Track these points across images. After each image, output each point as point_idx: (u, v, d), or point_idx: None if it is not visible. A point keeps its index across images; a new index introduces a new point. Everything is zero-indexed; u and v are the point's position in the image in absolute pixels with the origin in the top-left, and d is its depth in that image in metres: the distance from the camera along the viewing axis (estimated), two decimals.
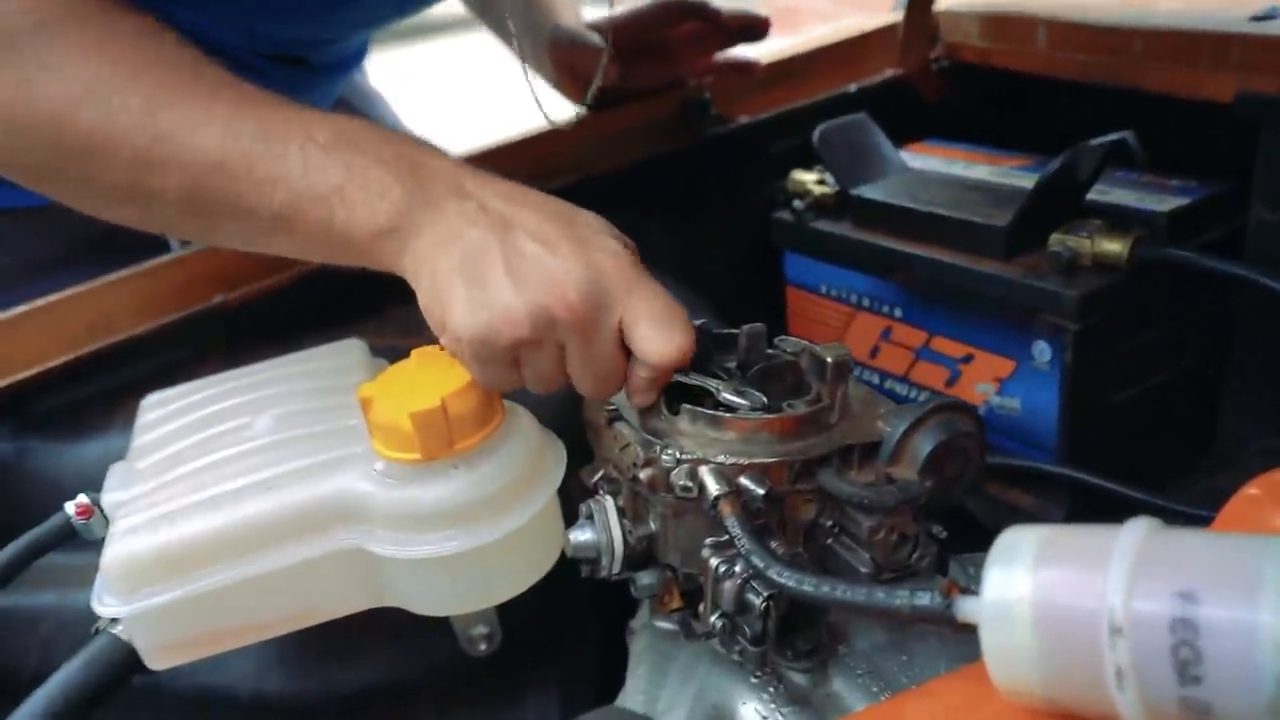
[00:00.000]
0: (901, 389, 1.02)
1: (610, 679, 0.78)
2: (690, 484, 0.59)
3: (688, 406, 0.63)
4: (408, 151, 0.65)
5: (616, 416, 0.66)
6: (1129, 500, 0.80)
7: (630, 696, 0.69)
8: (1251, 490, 0.53)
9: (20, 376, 0.86)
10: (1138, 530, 0.39)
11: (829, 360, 0.62)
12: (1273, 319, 0.82)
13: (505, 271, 0.59)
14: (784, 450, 0.60)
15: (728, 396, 0.63)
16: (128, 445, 0.80)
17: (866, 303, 1.03)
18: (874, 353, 1.04)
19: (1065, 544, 0.41)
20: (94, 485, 0.80)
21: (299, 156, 0.64)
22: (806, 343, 0.68)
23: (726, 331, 0.69)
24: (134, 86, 0.65)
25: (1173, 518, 0.76)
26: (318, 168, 0.63)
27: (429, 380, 0.62)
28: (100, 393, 0.89)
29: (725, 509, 0.57)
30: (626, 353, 0.62)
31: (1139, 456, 0.89)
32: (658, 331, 0.60)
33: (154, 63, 0.66)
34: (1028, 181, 0.94)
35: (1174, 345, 0.90)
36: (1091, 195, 0.89)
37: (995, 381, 0.92)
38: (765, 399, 0.63)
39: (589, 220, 0.64)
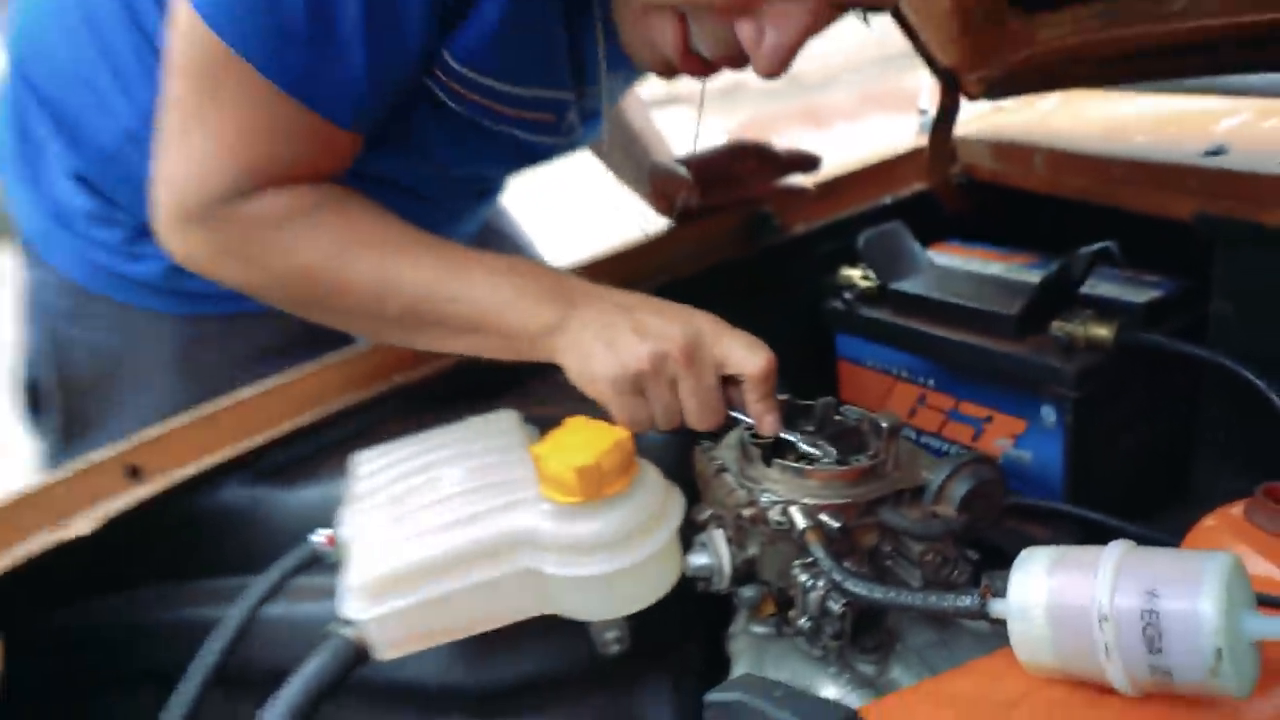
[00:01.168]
0: (935, 444, 1.03)
1: (711, 676, 0.79)
2: (783, 519, 0.64)
3: (778, 460, 0.68)
4: (553, 274, 0.76)
5: (722, 468, 0.71)
6: (1122, 531, 0.79)
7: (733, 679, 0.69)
8: (1209, 521, 0.59)
9: (254, 439, 0.90)
10: (1117, 549, 0.46)
11: (884, 425, 0.68)
12: (1231, 389, 0.82)
13: (631, 331, 0.69)
14: (853, 493, 0.65)
15: (811, 452, 0.68)
16: (334, 492, 0.83)
17: (905, 374, 1.03)
18: (911, 414, 1.04)
19: (1067, 559, 0.47)
20: (307, 523, 0.83)
21: (485, 283, 0.74)
22: (865, 411, 0.73)
23: (805, 403, 0.75)
24: (365, 247, 0.75)
25: (1154, 544, 0.82)
26: (499, 292, 0.73)
27: (583, 442, 0.65)
28: (312, 451, 0.93)
29: (811, 538, 0.62)
30: (728, 399, 0.70)
31: (1129, 497, 0.90)
32: (749, 351, 0.69)
33: (376, 229, 0.76)
34: (1032, 277, 0.96)
35: (1153, 408, 0.92)
36: (1083, 289, 0.91)
37: (1011, 438, 0.93)
38: (837, 454, 0.68)
39: (683, 305, 0.72)
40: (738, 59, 0.76)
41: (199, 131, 0.73)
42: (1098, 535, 0.81)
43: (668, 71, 0.80)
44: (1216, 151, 0.91)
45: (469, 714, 0.83)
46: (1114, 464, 0.90)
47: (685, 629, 0.82)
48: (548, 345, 0.73)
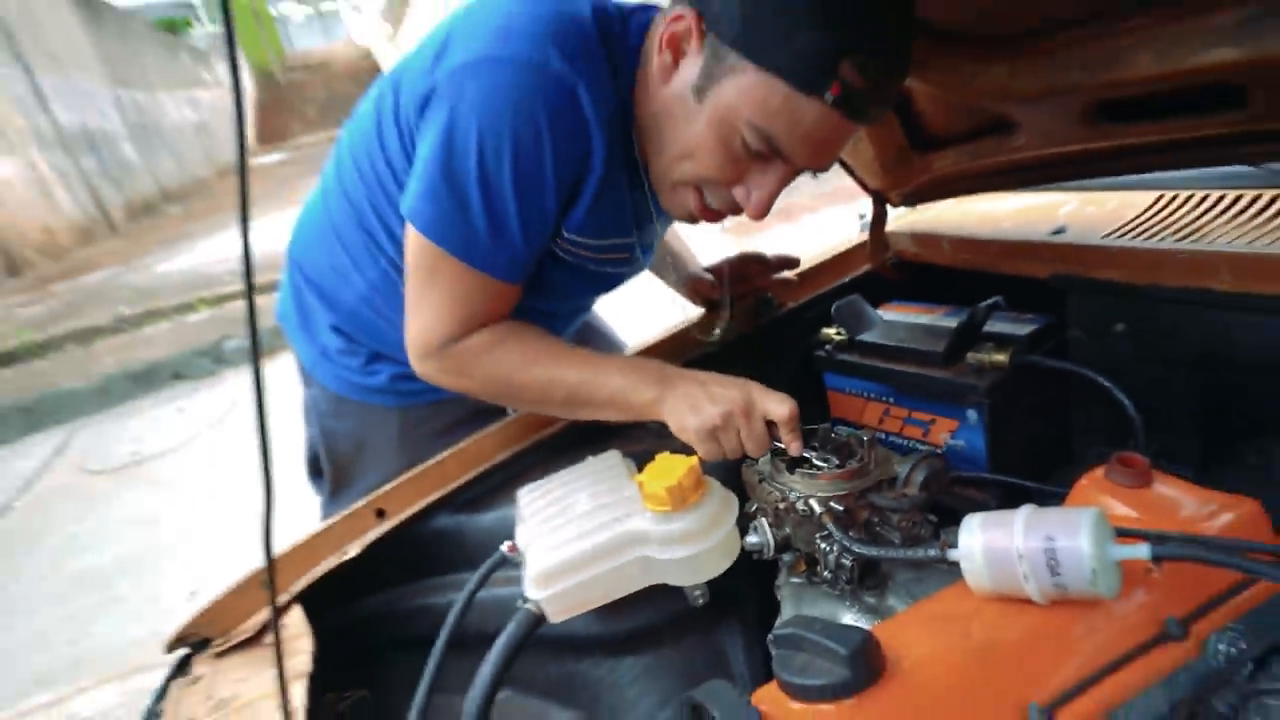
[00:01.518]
0: (898, 440, 1.01)
1: (766, 615, 0.82)
2: (806, 508, 0.68)
3: (800, 469, 0.71)
4: (650, 364, 0.81)
5: (763, 478, 0.74)
6: (1026, 488, 0.83)
7: (784, 618, 0.74)
8: (1084, 480, 0.60)
9: (453, 484, 0.95)
10: (1024, 511, 0.49)
11: (865, 439, 0.72)
12: (1089, 386, 0.81)
13: (707, 400, 0.73)
14: (849, 486, 0.68)
15: (819, 463, 0.71)
16: (508, 514, 0.87)
17: (872, 396, 1.03)
18: (880, 421, 1.02)
19: (991, 520, 0.50)
20: (492, 537, 0.90)
21: (616, 378, 0.80)
22: (851, 428, 0.76)
23: (813, 428, 0.77)
24: (536, 362, 0.82)
25: (1048, 496, 0.78)
26: (619, 379, 0.79)
27: (668, 470, 0.69)
28: (490, 488, 0.96)
29: (826, 519, 0.66)
30: (771, 435, 0.73)
31: (1031, 464, 0.89)
32: (780, 405, 0.72)
33: (542, 347, 0.83)
34: (951, 323, 0.95)
35: (1041, 404, 0.92)
36: (985, 329, 0.91)
37: (949, 433, 0.93)
38: (836, 461, 0.71)
39: (734, 378, 0.77)
40: (737, 209, 0.79)
41: (426, 303, 0.80)
42: (1013, 492, 0.85)
43: (693, 220, 0.84)
44: (1059, 231, 0.93)
45: (606, 653, 0.87)
46: (1019, 444, 0.90)
47: (746, 585, 0.84)
48: (655, 411, 0.78)
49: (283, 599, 0.87)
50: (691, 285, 1.17)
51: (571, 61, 0.71)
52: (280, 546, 0.76)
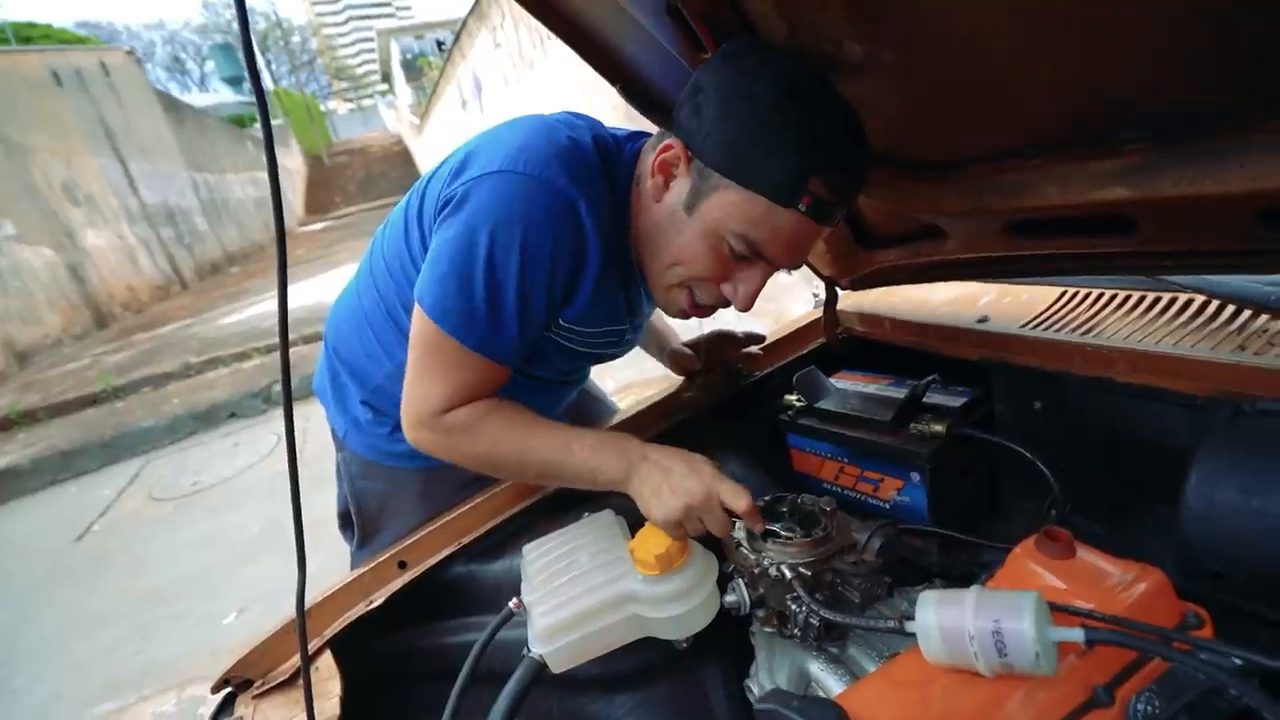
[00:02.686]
0: (852, 495, 0.98)
1: (742, 657, 0.79)
2: (778, 573, 0.65)
3: (771, 538, 0.67)
4: (621, 442, 0.74)
5: (739, 544, 0.70)
6: (961, 540, 0.79)
7: (759, 666, 0.72)
8: (1018, 550, 0.57)
9: (467, 537, 0.91)
10: (974, 593, 0.47)
11: (827, 509, 0.69)
12: (1012, 452, 0.80)
13: (669, 491, 0.68)
14: (815, 554, 0.65)
15: (786, 532, 0.68)
16: (514, 563, 0.84)
17: (829, 456, 1.00)
18: (836, 477, 0.99)
19: (946, 599, 0.48)
20: (501, 583, 0.88)
21: (585, 456, 0.74)
22: (815, 499, 0.72)
23: (779, 495, 0.74)
24: (514, 438, 0.76)
25: (980, 547, 0.78)
26: (590, 458, 0.74)
27: (658, 538, 0.67)
28: (499, 540, 0.92)
29: (795, 583, 0.63)
30: (729, 514, 0.68)
31: (965, 517, 0.87)
32: (736, 498, 0.66)
33: (520, 423, 0.77)
34: (896, 393, 0.94)
35: (973, 466, 0.90)
36: (925, 400, 0.90)
37: (896, 490, 0.90)
38: (804, 530, 0.68)
39: (693, 459, 0.71)
40: (725, 303, 0.77)
41: (424, 377, 0.76)
42: (951, 541, 0.80)
43: (685, 316, 0.81)
44: (983, 320, 0.93)
45: (604, 691, 0.84)
46: (955, 501, 0.88)
47: (724, 631, 0.76)
48: (622, 487, 0.74)
49: (314, 644, 0.82)
50: (673, 358, 1.15)
51: (574, 180, 0.71)
52: (312, 595, 0.71)
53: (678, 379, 1.15)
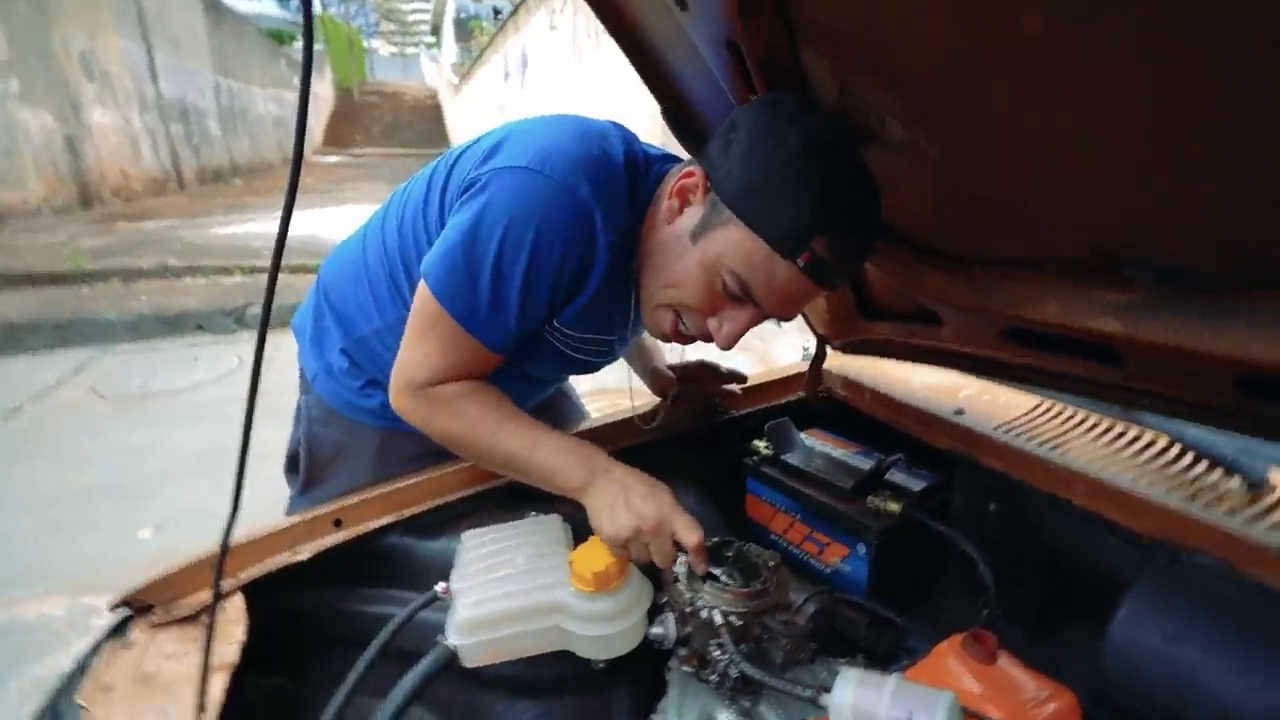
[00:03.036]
0: (796, 553, 0.99)
1: (654, 689, 0.76)
2: (709, 617, 0.64)
3: (711, 581, 0.67)
4: (587, 451, 0.74)
5: (677, 579, 0.70)
6: (891, 620, 0.81)
7: (669, 703, 0.70)
8: (943, 645, 0.59)
9: (411, 509, 0.89)
10: (893, 681, 0.48)
11: (771, 564, 0.69)
12: (957, 550, 0.81)
13: (624, 509, 0.67)
14: (749, 606, 0.65)
15: (726, 578, 0.68)
16: (451, 546, 0.82)
17: (783, 508, 1.00)
18: (785, 531, 1.00)
19: (865, 681, 0.49)
20: (434, 562, 0.86)
21: (548, 456, 0.74)
22: (761, 551, 0.72)
23: (727, 540, 0.74)
24: (487, 422, 0.77)
25: (908, 631, 0.81)
26: (553, 459, 0.74)
27: (599, 555, 0.67)
28: (442, 519, 0.90)
29: (723, 631, 0.63)
30: (677, 547, 0.67)
31: (900, 595, 0.88)
32: (689, 533, 0.66)
33: (495, 410, 0.77)
34: (860, 463, 0.95)
35: (918, 549, 0.91)
36: (887, 478, 0.92)
37: (840, 557, 0.91)
38: (744, 579, 0.67)
39: (656, 484, 0.70)
40: (707, 337, 0.77)
41: (419, 347, 0.77)
42: (883, 620, 0.83)
43: (665, 339, 0.81)
44: (959, 412, 0.94)
45: (509, 692, 0.82)
46: (894, 579, 0.90)
47: (642, 659, 0.76)
48: (577, 496, 0.74)
49: (229, 584, 0.80)
50: (654, 377, 1.16)
51: (596, 191, 0.72)
52: (238, 533, 0.69)
53: (655, 399, 1.15)
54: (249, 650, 0.70)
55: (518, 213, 0.71)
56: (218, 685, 0.65)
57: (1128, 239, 0.59)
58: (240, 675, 0.70)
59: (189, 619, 0.77)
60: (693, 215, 0.73)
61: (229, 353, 4.11)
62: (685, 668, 0.71)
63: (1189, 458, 0.72)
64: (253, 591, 0.80)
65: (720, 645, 0.64)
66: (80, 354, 4.06)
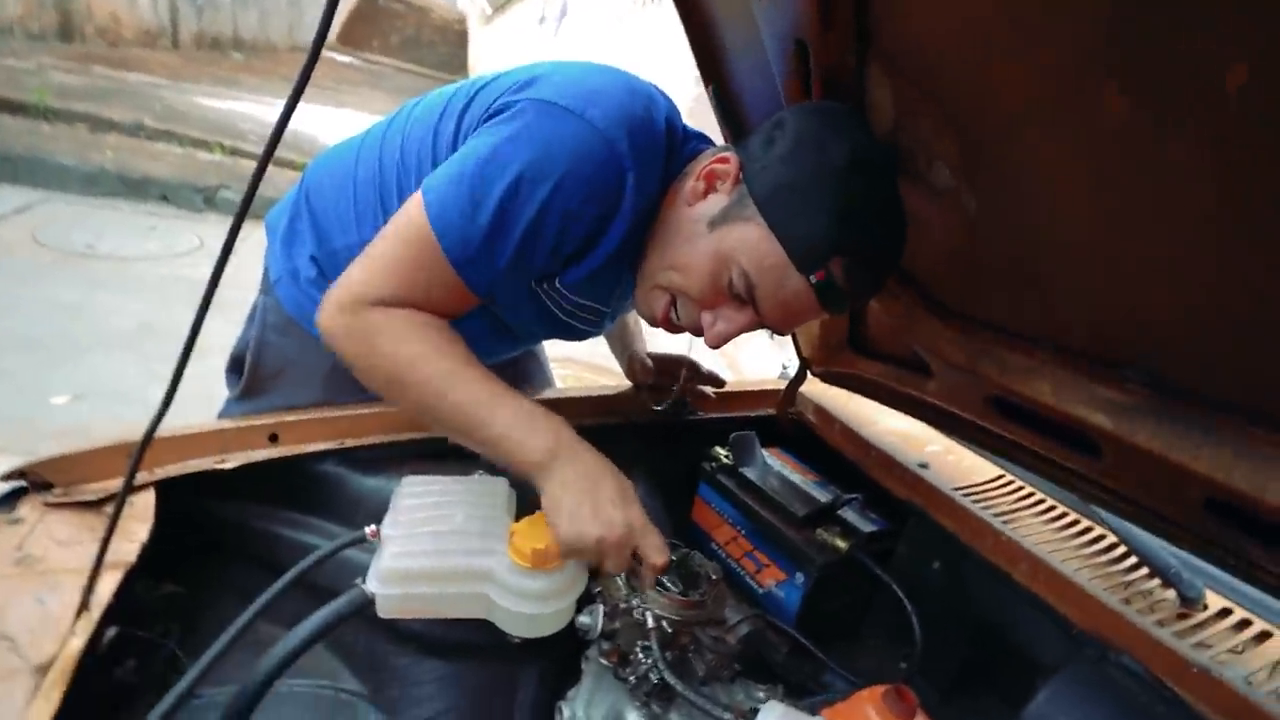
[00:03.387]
0: (733, 567, 0.98)
1: (566, 674, 0.75)
2: (642, 618, 0.63)
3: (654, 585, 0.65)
4: (552, 423, 0.66)
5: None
6: (813, 653, 0.82)
7: (580, 692, 0.69)
8: (864, 694, 0.57)
9: (353, 440, 0.85)
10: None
11: (714, 577, 0.68)
12: (893, 599, 0.83)
13: (590, 514, 0.61)
14: (684, 615, 0.64)
15: (669, 584, 0.66)
16: (388, 487, 0.77)
17: (729, 520, 0.99)
18: (727, 543, 1.00)
19: (789, 717, 0.49)
20: (366, 499, 0.84)
21: (508, 420, 0.65)
22: (705, 562, 0.71)
23: (674, 542, 0.72)
24: (440, 360, 0.67)
25: (824, 667, 0.81)
26: (513, 424, 0.65)
27: (544, 529, 0.63)
28: (383, 457, 0.86)
29: (653, 635, 0.62)
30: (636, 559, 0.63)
31: (826, 630, 0.87)
32: (657, 555, 0.61)
33: (454, 352, 0.68)
34: (815, 492, 0.94)
35: (852, 588, 0.91)
36: (840, 513, 0.91)
37: (776, 581, 0.91)
38: (683, 587, 0.66)
39: (625, 485, 0.64)
40: (698, 331, 0.73)
41: (385, 260, 0.68)
42: (802, 648, 0.83)
43: (653, 323, 0.77)
44: (924, 465, 0.94)
45: (416, 649, 0.80)
46: (824, 614, 0.89)
47: (560, 642, 0.73)
48: (535, 475, 0.65)
49: (142, 478, 0.75)
50: (632, 361, 1.12)
51: (635, 152, 0.67)
52: (167, 425, 0.64)
53: (626, 382, 1.13)
54: (150, 558, 0.66)
55: (546, 151, 0.65)
56: (108, 584, 0.61)
57: (1138, 342, 0.59)
58: (134, 577, 0.66)
59: (90, 505, 0.72)
60: (716, 202, 0.69)
61: (190, 232, 3.91)
62: (604, 661, 0.70)
63: (1130, 560, 0.74)
64: (166, 493, 0.75)
65: (647, 648, 0.63)
66: (27, 194, 3.80)
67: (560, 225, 0.68)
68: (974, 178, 0.61)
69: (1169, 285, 0.52)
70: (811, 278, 0.64)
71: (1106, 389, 0.62)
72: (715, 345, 0.72)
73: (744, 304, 0.69)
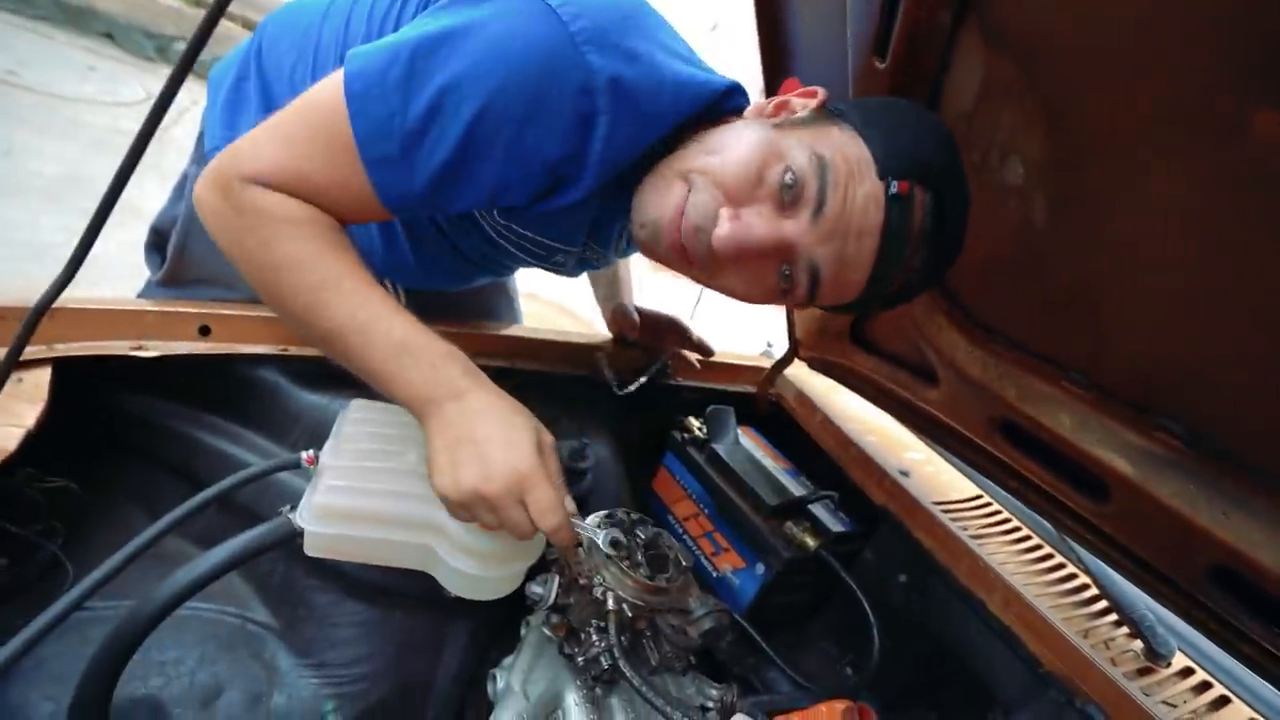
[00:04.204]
0: (689, 544, 0.96)
1: (501, 638, 0.74)
2: (601, 597, 0.58)
3: (614, 561, 0.59)
4: (450, 355, 0.56)
5: (579, 544, 0.59)
6: (761, 649, 0.80)
7: (518, 662, 0.65)
8: (823, 707, 0.57)
9: (297, 349, 0.76)
10: None
11: (683, 563, 0.64)
12: (851, 605, 0.80)
13: (474, 461, 0.51)
14: (646, 600, 0.59)
15: (640, 566, 0.61)
16: (330, 407, 0.73)
17: (692, 496, 0.96)
18: (686, 519, 0.97)
19: None
20: (303, 419, 0.76)
21: (393, 344, 0.54)
22: (675, 545, 0.66)
23: (643, 519, 0.66)
24: (328, 263, 0.55)
25: (768, 663, 0.80)
26: (397, 351, 0.54)
27: None
28: (326, 373, 0.75)
29: (611, 617, 0.57)
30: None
31: (775, 623, 0.86)
32: (549, 514, 0.52)
33: (341, 260, 0.56)
34: (787, 481, 0.91)
35: (808, 586, 0.89)
36: (810, 508, 0.87)
37: (733, 568, 0.89)
38: (649, 570, 0.61)
39: (523, 427, 0.53)
40: (707, 228, 0.55)
41: (279, 135, 0.56)
42: (752, 643, 0.82)
43: (658, 218, 0.58)
44: (905, 473, 0.91)
45: (340, 590, 0.74)
46: (778, 609, 0.87)
47: (499, 604, 0.66)
48: (416, 411, 0.56)
49: (38, 352, 0.64)
50: (616, 314, 1.05)
51: (616, 91, 0.53)
52: (67, 295, 0.53)
53: (607, 334, 1.06)
54: (37, 448, 0.56)
55: (503, 54, 0.52)
56: None
57: (1182, 392, 0.55)
58: (12, 466, 0.56)
59: None
60: (787, 118, 0.58)
61: (135, 82, 3.53)
62: (548, 633, 0.64)
63: (1099, 605, 0.73)
64: (65, 374, 0.64)
65: (601, 629, 0.59)
66: None
67: (501, 158, 0.55)
68: (1054, 185, 0.55)
69: (1242, 341, 0.48)
70: (890, 186, 0.52)
71: (1133, 434, 0.59)
72: (724, 243, 0.54)
73: (779, 217, 0.54)
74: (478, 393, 0.55)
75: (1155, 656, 0.64)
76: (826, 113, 0.57)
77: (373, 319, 0.55)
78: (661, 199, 0.58)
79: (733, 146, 0.56)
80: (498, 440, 0.52)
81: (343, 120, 0.53)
